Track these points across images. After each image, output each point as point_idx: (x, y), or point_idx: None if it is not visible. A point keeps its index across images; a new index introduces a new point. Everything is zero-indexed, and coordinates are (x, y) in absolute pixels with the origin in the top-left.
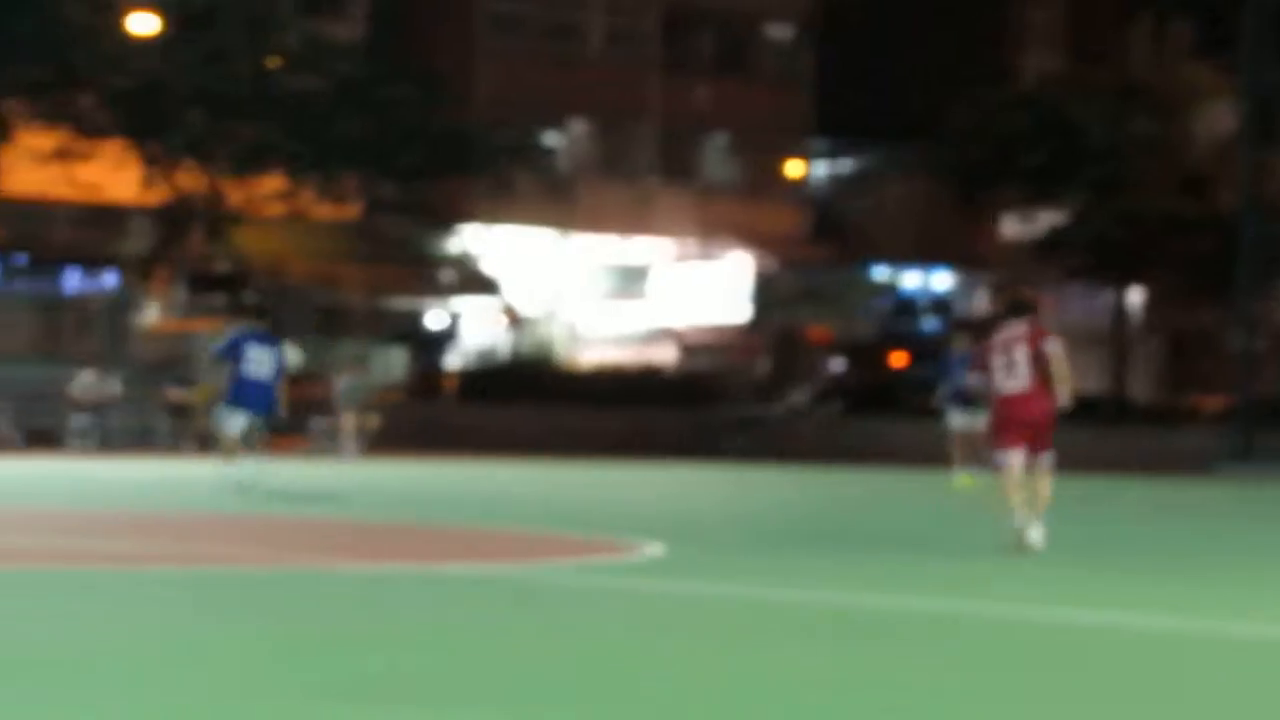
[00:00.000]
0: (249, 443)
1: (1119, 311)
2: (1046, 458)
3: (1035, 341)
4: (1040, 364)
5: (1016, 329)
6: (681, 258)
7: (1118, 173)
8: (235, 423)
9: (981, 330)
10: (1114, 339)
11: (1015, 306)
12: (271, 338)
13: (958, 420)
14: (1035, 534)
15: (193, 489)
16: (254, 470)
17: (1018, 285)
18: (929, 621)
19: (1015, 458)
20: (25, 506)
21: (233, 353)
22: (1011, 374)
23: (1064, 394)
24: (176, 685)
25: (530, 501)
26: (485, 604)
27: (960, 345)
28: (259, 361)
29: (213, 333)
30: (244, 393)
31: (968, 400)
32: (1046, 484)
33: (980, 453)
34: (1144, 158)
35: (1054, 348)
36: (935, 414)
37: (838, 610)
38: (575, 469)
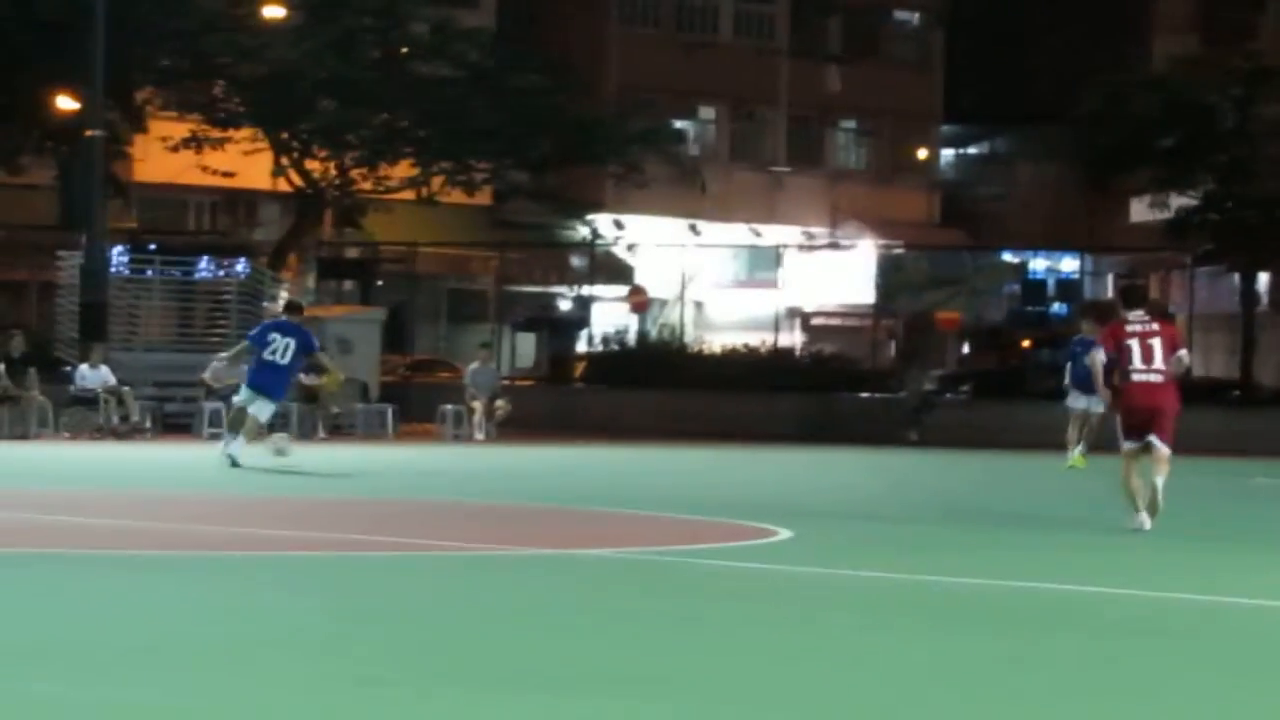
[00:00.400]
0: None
1: (1247, 295)
2: (1164, 446)
3: (1171, 340)
4: (1170, 358)
5: (1150, 323)
6: (810, 243)
7: (1247, 156)
8: (265, 410)
9: (1107, 315)
10: (1243, 323)
11: (1130, 296)
12: (293, 328)
13: (1079, 402)
14: (1147, 520)
15: (323, 475)
16: (238, 449)
17: (1135, 279)
18: (1067, 605)
19: (1133, 444)
20: (155, 491)
21: (258, 340)
22: (1147, 362)
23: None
24: (317, 670)
25: (658, 485)
26: (612, 588)
27: (1087, 329)
28: (275, 349)
29: (343, 318)
30: (259, 376)
31: (1089, 385)
32: (1164, 470)
33: (1096, 435)
34: (1274, 141)
35: (1186, 355)
36: (1063, 397)
37: (965, 594)
38: (703, 452)
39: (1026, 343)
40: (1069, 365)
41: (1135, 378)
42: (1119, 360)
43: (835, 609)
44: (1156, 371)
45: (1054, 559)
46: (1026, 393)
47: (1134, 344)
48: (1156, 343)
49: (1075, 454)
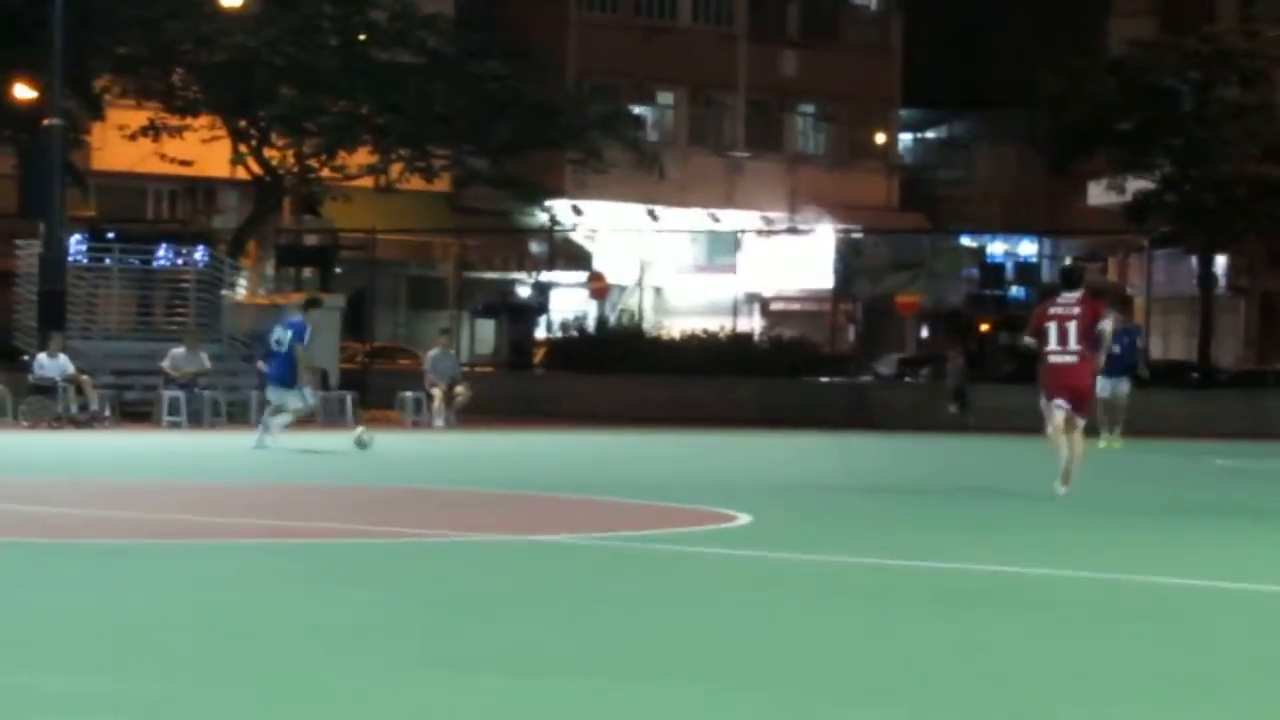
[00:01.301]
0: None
1: (1205, 277)
2: (1082, 421)
3: (1091, 318)
4: (1089, 337)
5: (1072, 305)
6: (769, 228)
7: (1206, 139)
8: (294, 400)
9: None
10: (1201, 305)
11: (1067, 277)
12: (292, 321)
13: (1104, 388)
14: (1061, 488)
15: (288, 462)
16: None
17: (1093, 262)
18: (1023, 588)
19: (1060, 412)
20: (117, 480)
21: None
22: (1062, 344)
23: (1100, 360)
24: (287, 655)
25: (617, 471)
26: (576, 572)
27: (1117, 318)
28: (277, 340)
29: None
30: (268, 366)
31: (1112, 369)
32: (1080, 442)
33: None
34: (1232, 124)
35: (1106, 325)
36: (1019, 381)
37: (923, 577)
38: (663, 438)
39: (985, 326)
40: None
41: (1051, 359)
42: (1039, 341)
43: (793, 592)
44: (1071, 353)
45: (1012, 539)
46: (986, 376)
47: (1052, 326)
48: (1072, 325)
49: (1112, 435)
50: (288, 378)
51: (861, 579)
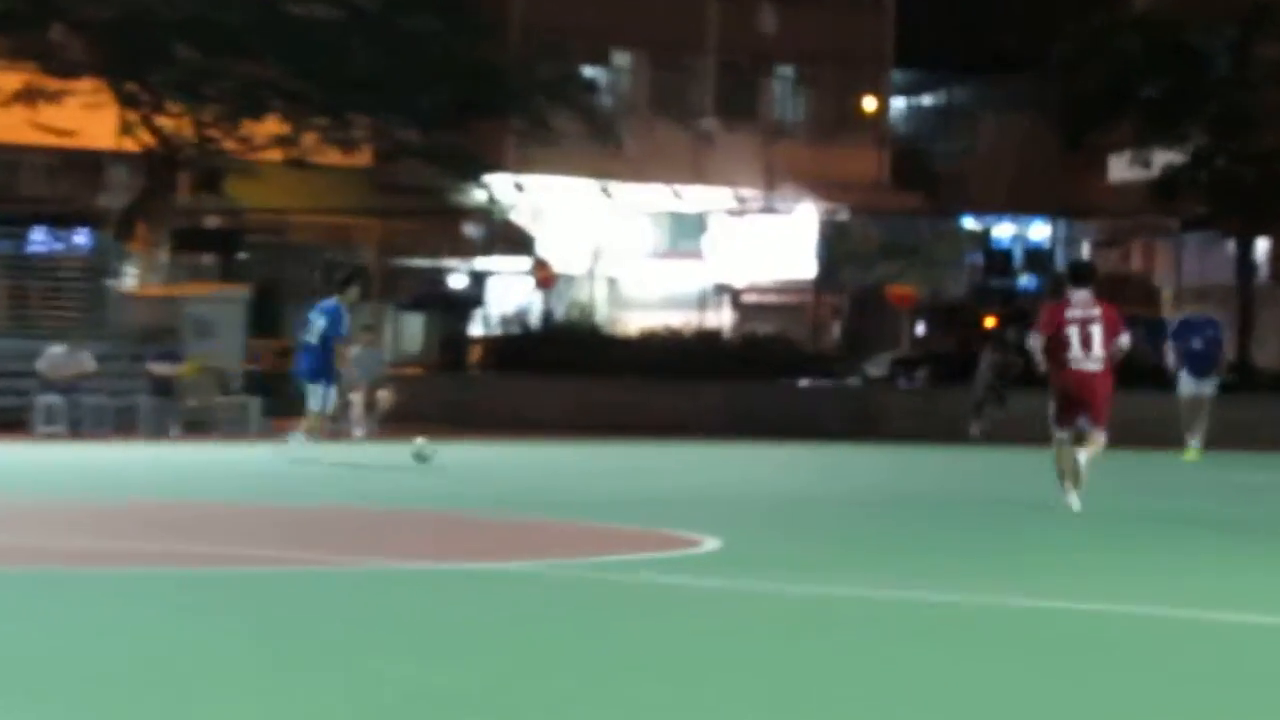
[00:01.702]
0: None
1: (1244, 264)
2: (1100, 432)
3: (1113, 325)
4: (1110, 345)
5: (1091, 307)
6: (742, 208)
7: (1244, 106)
8: (315, 398)
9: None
10: (1239, 296)
11: (1077, 274)
12: (325, 304)
13: (1187, 388)
14: (1075, 501)
15: (180, 477)
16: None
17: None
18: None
19: (1065, 433)
20: None
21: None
22: (1086, 350)
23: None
24: (154, 695)
25: (565, 488)
26: (517, 605)
27: (1195, 309)
28: (307, 328)
29: (201, 297)
30: (297, 359)
31: (1196, 367)
32: (1094, 451)
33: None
34: (1274, 88)
35: (1125, 340)
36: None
37: (909, 608)
38: (620, 450)
39: (991, 321)
40: (1172, 346)
41: (1073, 366)
42: (1056, 346)
43: (766, 629)
44: (1095, 360)
45: (1014, 567)
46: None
47: (1073, 331)
48: (1096, 329)
49: (1193, 446)
50: (316, 372)
51: (844, 611)
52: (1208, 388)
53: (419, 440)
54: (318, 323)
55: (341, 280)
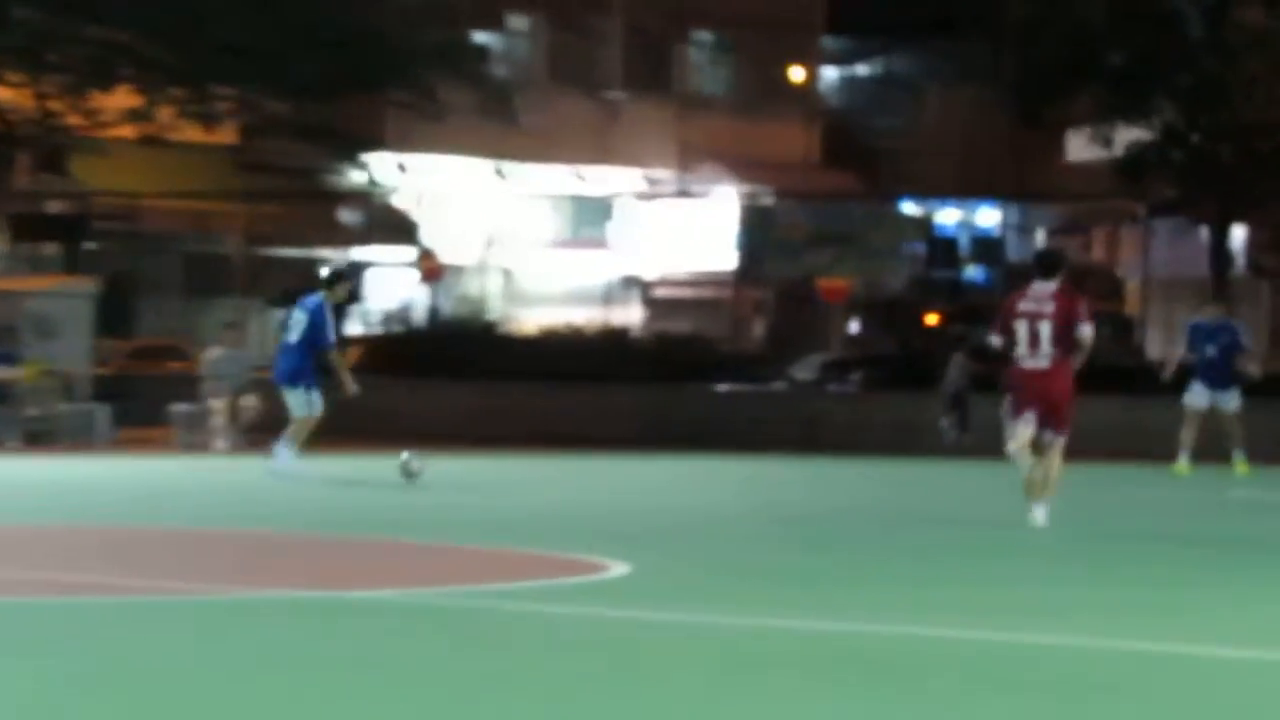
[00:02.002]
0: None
1: (1219, 253)
2: (1057, 436)
3: (1067, 317)
4: (1067, 341)
5: (1045, 300)
6: (654, 191)
7: (1221, 76)
8: (294, 404)
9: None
10: (1213, 289)
11: (1043, 265)
12: (308, 300)
13: (1199, 398)
14: (1040, 513)
15: (15, 493)
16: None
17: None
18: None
19: (1027, 429)
20: None
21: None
22: (1033, 348)
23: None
24: None
25: (455, 505)
26: (396, 640)
27: (1209, 311)
28: (287, 327)
29: (42, 292)
30: (278, 359)
31: (1211, 376)
32: (1056, 463)
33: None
34: (1255, 56)
35: (1087, 331)
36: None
37: (845, 643)
38: (515, 463)
39: (934, 318)
40: (1190, 352)
41: (1022, 364)
42: (1007, 342)
43: (679, 665)
44: (1043, 356)
45: (946, 597)
46: (936, 382)
47: (1022, 325)
48: (1046, 326)
49: (1183, 460)
50: (296, 374)
51: (766, 647)
52: (1229, 399)
53: (404, 454)
54: (300, 322)
55: (329, 277)
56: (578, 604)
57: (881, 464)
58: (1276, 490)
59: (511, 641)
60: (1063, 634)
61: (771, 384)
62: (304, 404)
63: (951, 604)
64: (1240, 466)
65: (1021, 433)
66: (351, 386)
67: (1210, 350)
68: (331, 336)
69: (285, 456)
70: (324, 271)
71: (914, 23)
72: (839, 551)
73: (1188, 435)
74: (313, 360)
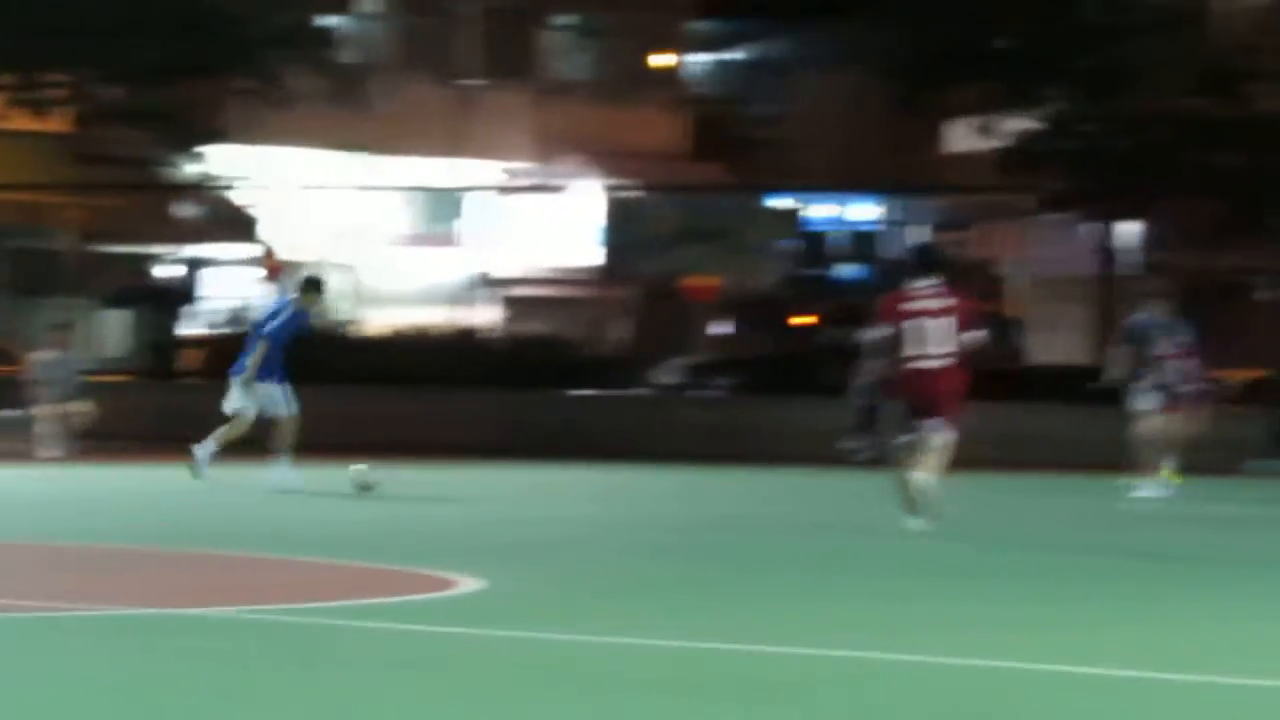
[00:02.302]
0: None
1: (1108, 252)
2: (945, 431)
3: (962, 319)
4: (954, 339)
5: (935, 298)
6: (512, 184)
7: (1116, 62)
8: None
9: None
10: (1101, 290)
11: (924, 260)
12: (275, 304)
13: (1148, 402)
14: (917, 522)
15: None
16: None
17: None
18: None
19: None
20: None
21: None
22: (926, 346)
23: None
24: None
25: (300, 518)
26: (234, 659)
27: (1158, 310)
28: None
29: None
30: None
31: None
32: (934, 465)
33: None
34: (1152, 41)
35: (978, 337)
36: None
37: (713, 663)
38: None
39: (809, 318)
40: (1123, 353)
41: (912, 364)
42: (895, 341)
43: (539, 686)
44: (937, 356)
45: (820, 614)
46: (810, 386)
47: (912, 325)
48: (940, 323)
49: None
50: (265, 373)
51: (626, 667)
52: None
53: (357, 466)
54: (267, 324)
55: (304, 283)
56: (425, 622)
57: (750, 473)
58: (1188, 501)
59: (350, 661)
60: (935, 652)
61: (634, 389)
62: (282, 404)
63: (825, 620)
64: (1169, 474)
65: (910, 438)
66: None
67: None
68: (272, 329)
69: (286, 469)
70: (300, 276)
71: (789, 5)
72: (706, 566)
73: (1145, 449)
74: (282, 356)
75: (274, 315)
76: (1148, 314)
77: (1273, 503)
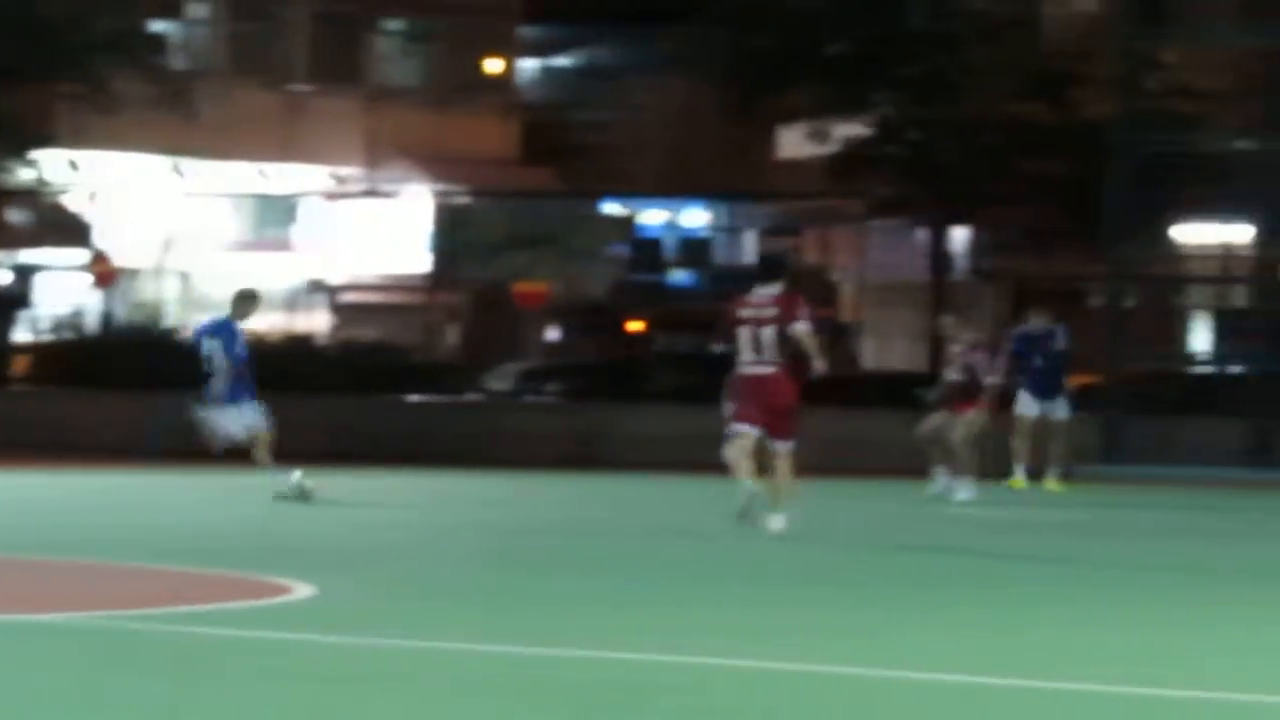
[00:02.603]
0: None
1: (938, 257)
2: (783, 444)
3: (787, 318)
4: (787, 343)
5: (766, 306)
6: (341, 190)
7: (943, 68)
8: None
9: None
10: (934, 295)
11: (764, 268)
12: (209, 325)
13: (1029, 409)
14: (776, 522)
15: None
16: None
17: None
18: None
19: (746, 429)
20: None
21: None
22: (756, 352)
23: (817, 367)
24: None
25: (126, 523)
26: (59, 667)
27: (1034, 319)
28: (208, 354)
29: None
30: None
31: (1039, 385)
32: (785, 471)
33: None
34: (980, 47)
35: (801, 327)
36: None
37: (550, 669)
38: (194, 479)
39: (638, 324)
40: (1006, 363)
41: (744, 370)
42: (729, 349)
43: (374, 694)
44: (766, 363)
45: (654, 618)
46: (642, 392)
47: (743, 331)
48: (767, 331)
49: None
50: (235, 394)
51: (457, 673)
52: (1058, 409)
53: (296, 474)
54: (214, 349)
55: (236, 297)
56: (255, 627)
57: (581, 479)
58: (1012, 505)
59: (173, 668)
60: (745, 657)
61: (465, 394)
62: (255, 417)
63: (657, 625)
64: (1053, 483)
65: (738, 441)
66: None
67: (1038, 359)
68: (237, 352)
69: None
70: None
71: (618, 10)
72: (532, 572)
73: (1021, 446)
74: (240, 376)
75: (232, 336)
76: (1027, 327)
77: (1103, 507)
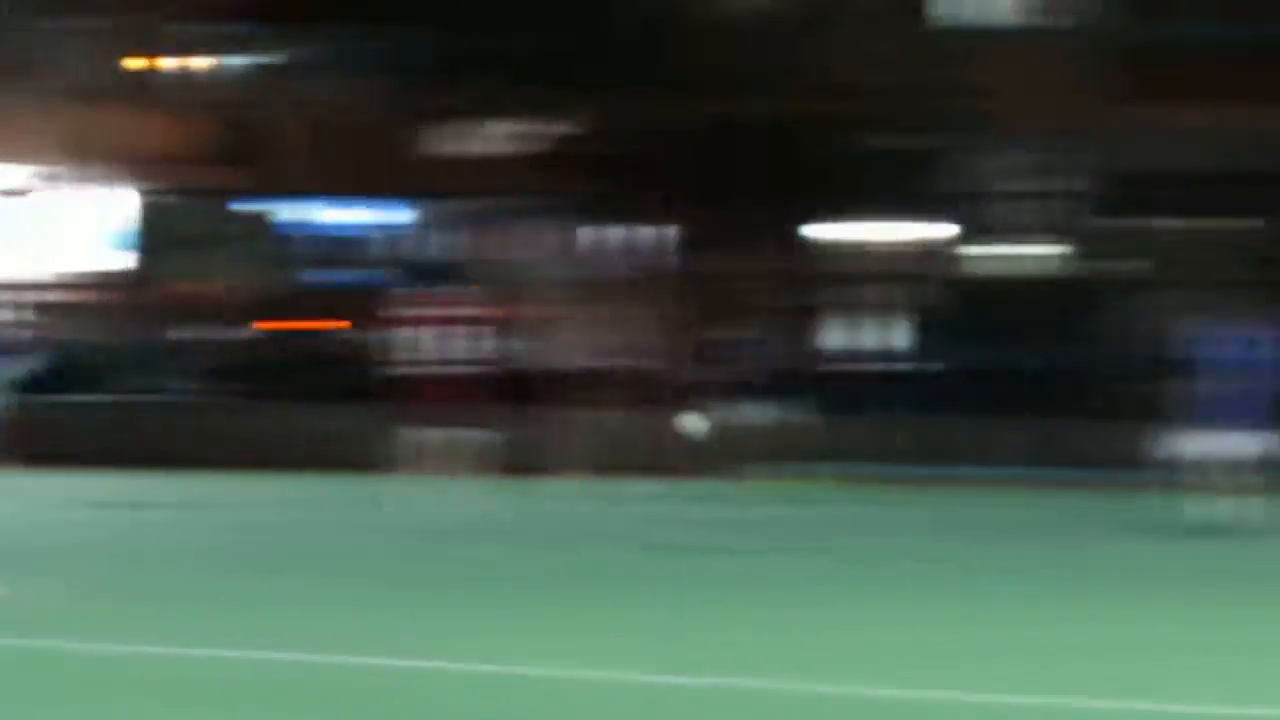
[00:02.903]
0: None
1: (634, 256)
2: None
3: (454, 320)
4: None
5: (445, 303)
6: (22, 187)
7: (642, 68)
8: None
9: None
10: (628, 293)
11: (434, 271)
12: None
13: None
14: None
15: None
16: None
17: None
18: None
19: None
20: None
21: None
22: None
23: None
24: None
25: None
26: None
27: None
28: None
29: None
30: None
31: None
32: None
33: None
34: (682, 47)
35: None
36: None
37: (249, 672)
38: None
39: (312, 323)
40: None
41: (414, 370)
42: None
43: (52, 701)
44: (459, 363)
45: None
46: (315, 392)
47: (425, 332)
48: (445, 330)
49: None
50: None
51: (159, 676)
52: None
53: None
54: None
55: None
56: None
57: (258, 479)
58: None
59: None
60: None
61: (140, 395)
62: None
63: (323, 624)
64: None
65: (431, 439)
66: None
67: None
68: None
69: None
70: None
71: (299, 10)
72: (213, 572)
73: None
74: None
75: None
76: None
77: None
